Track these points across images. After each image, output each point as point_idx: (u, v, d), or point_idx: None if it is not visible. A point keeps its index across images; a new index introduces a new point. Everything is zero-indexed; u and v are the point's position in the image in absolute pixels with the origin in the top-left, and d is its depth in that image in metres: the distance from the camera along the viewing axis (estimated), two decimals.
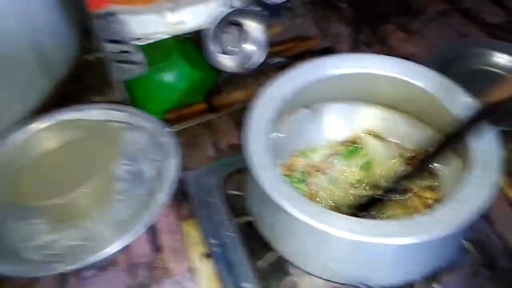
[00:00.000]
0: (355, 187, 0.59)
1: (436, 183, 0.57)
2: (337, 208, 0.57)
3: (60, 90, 0.80)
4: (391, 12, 1.04)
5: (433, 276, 0.56)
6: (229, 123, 0.81)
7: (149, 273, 0.62)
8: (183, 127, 0.78)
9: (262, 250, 0.59)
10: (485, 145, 0.48)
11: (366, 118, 0.61)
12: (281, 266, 0.58)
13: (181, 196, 0.70)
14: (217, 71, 0.76)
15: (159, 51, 0.73)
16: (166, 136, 0.63)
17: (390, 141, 0.62)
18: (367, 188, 0.58)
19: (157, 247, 0.65)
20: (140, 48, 0.63)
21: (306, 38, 0.92)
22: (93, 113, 0.66)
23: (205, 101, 0.77)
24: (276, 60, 0.83)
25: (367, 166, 0.61)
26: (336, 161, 0.61)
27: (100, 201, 0.61)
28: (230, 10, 0.62)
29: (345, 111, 0.63)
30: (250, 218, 0.58)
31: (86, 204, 0.59)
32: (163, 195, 0.58)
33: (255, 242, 0.60)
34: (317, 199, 0.58)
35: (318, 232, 0.42)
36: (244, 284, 0.55)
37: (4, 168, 0.61)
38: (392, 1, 1.06)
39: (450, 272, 0.56)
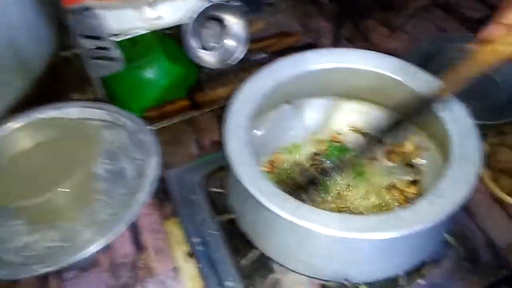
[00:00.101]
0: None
1: (417, 178, 0.57)
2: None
3: (37, 88, 0.79)
4: (373, 8, 1.05)
5: (416, 271, 0.56)
6: (212, 120, 0.81)
7: (132, 273, 0.61)
8: (165, 125, 0.78)
9: (245, 248, 0.59)
10: (465, 139, 0.49)
11: (348, 114, 0.61)
12: (264, 264, 0.58)
13: (163, 195, 0.69)
14: (199, 67, 0.75)
15: (138, 47, 0.72)
16: (147, 134, 0.62)
17: (371, 136, 0.61)
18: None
19: (140, 247, 0.64)
20: (118, 44, 0.62)
21: (288, 34, 0.92)
22: (71, 111, 0.64)
23: (187, 98, 0.76)
24: (259, 56, 0.82)
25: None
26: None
27: (80, 200, 0.60)
28: (208, 5, 0.61)
29: (327, 106, 0.63)
30: (232, 216, 0.58)
31: (65, 204, 0.58)
32: (144, 194, 0.57)
33: (238, 240, 0.60)
34: None
35: (298, 229, 0.42)
36: (227, 283, 0.55)
37: None
38: None
39: (433, 267, 0.57)
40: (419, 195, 0.56)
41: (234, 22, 0.68)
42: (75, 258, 0.51)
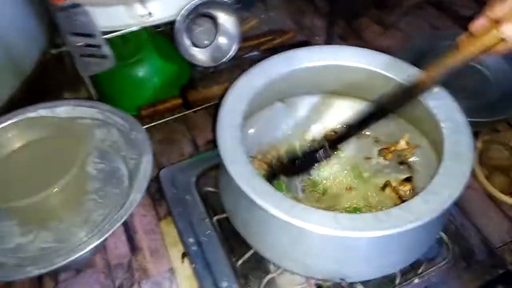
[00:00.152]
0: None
1: (411, 175, 0.57)
2: None
3: (28, 87, 0.78)
4: (366, 6, 1.05)
5: (412, 269, 0.56)
6: (206, 119, 0.81)
7: (127, 275, 0.61)
8: (158, 123, 0.77)
9: (240, 248, 0.58)
10: (458, 136, 0.49)
11: (340, 111, 0.61)
12: (259, 264, 0.58)
13: (158, 195, 0.69)
14: (192, 66, 0.75)
15: (130, 45, 0.71)
16: (139, 133, 0.62)
17: (365, 134, 0.62)
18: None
19: (135, 248, 0.64)
20: (108, 41, 0.61)
21: (281, 32, 0.91)
22: (62, 110, 0.64)
23: (180, 96, 0.76)
24: (252, 54, 0.82)
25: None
26: None
27: (72, 201, 0.59)
28: (200, 2, 0.61)
29: (319, 104, 0.63)
30: (226, 215, 0.57)
31: (58, 204, 0.58)
32: (138, 194, 0.56)
33: (233, 239, 0.59)
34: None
35: (292, 227, 0.41)
36: (223, 283, 0.54)
37: None
38: None
39: (428, 265, 0.57)
40: (413, 192, 0.56)
41: (226, 20, 0.67)
42: (69, 259, 0.51)
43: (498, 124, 0.78)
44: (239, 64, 0.73)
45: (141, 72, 0.74)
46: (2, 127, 0.61)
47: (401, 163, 0.58)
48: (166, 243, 0.64)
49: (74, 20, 0.56)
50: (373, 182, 0.58)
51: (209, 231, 0.59)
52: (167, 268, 0.62)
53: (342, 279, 0.50)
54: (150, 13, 0.59)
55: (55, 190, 0.53)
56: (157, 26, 0.66)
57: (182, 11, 0.61)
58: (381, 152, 0.60)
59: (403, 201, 0.53)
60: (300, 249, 0.47)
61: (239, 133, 0.48)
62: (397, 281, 0.55)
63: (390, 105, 0.50)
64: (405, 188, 0.56)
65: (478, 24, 0.43)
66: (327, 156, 0.53)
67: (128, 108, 0.68)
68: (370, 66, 0.56)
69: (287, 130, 0.63)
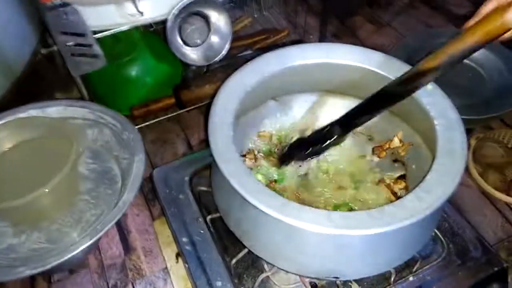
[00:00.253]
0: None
1: (405, 173, 0.57)
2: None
3: (19, 87, 0.77)
4: (360, 4, 1.05)
5: (406, 267, 0.57)
6: (199, 118, 0.80)
7: (121, 275, 0.61)
8: (152, 123, 0.77)
9: (235, 247, 0.58)
10: (452, 134, 0.49)
11: (334, 109, 0.60)
12: (254, 263, 0.58)
13: (151, 195, 0.69)
14: (185, 65, 0.74)
15: (122, 45, 0.71)
16: (132, 133, 0.61)
17: (359, 132, 0.61)
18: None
19: (128, 248, 0.64)
20: (99, 41, 0.61)
21: (275, 30, 0.91)
22: (53, 110, 0.63)
23: (173, 95, 0.75)
24: (245, 53, 0.82)
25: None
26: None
27: (65, 201, 0.59)
28: (191, 0, 0.60)
29: (312, 102, 0.63)
30: (219, 214, 0.57)
31: (50, 205, 0.57)
32: (131, 193, 0.56)
33: (227, 239, 0.59)
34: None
35: (285, 226, 0.41)
36: (217, 283, 0.54)
37: None
38: None
39: (423, 263, 0.57)
40: (407, 190, 0.55)
41: (218, 19, 0.67)
42: (61, 259, 0.50)
43: (492, 121, 0.78)
44: (233, 64, 0.72)
45: (134, 71, 0.74)
46: None
47: (395, 160, 0.58)
48: (160, 243, 0.64)
49: (64, 19, 0.55)
50: (367, 180, 0.58)
51: (202, 231, 0.59)
52: (161, 268, 0.61)
53: (336, 278, 0.50)
54: (140, 12, 0.58)
55: (46, 190, 0.53)
56: (149, 26, 0.66)
57: (173, 10, 0.61)
58: (375, 150, 0.60)
59: (397, 199, 0.53)
60: (294, 248, 0.46)
61: (231, 132, 0.48)
62: (392, 279, 0.55)
63: (394, 91, 0.50)
64: (399, 186, 0.56)
65: (485, 10, 0.42)
66: (339, 139, 0.55)
67: (121, 108, 0.68)
68: (364, 64, 0.56)
69: (280, 128, 0.63)
